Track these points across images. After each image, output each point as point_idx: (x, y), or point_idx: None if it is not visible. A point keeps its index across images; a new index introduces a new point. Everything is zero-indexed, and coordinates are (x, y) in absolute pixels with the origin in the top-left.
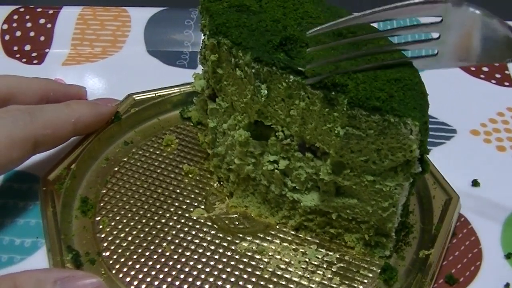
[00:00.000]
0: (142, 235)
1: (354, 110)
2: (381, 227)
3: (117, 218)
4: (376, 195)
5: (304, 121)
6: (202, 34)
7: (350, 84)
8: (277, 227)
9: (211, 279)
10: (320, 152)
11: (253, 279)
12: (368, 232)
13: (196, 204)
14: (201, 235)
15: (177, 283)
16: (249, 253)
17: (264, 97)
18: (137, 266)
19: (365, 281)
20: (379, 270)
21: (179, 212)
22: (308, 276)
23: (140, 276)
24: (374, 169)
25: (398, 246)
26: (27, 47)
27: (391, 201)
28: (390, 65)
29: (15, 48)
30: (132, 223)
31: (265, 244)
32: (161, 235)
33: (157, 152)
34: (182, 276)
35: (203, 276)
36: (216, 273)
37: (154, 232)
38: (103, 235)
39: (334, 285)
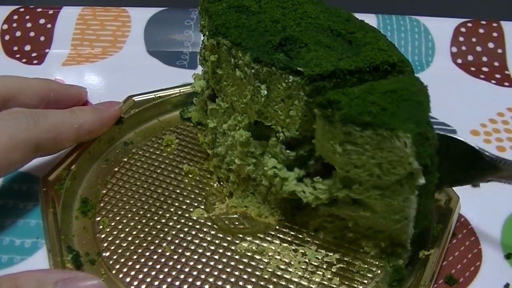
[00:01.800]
0: (142, 235)
1: (348, 126)
2: (396, 237)
3: (117, 218)
4: (388, 208)
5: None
6: (202, 35)
7: (344, 100)
8: (277, 227)
9: (211, 279)
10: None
11: (253, 279)
12: (384, 241)
13: (196, 204)
14: (201, 235)
15: (177, 283)
16: (249, 254)
17: (263, 98)
18: (137, 266)
19: (365, 281)
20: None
21: (179, 212)
22: (308, 276)
23: (140, 276)
24: (380, 183)
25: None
26: (27, 47)
27: (402, 213)
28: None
29: (15, 48)
30: (132, 224)
31: (265, 245)
32: (161, 235)
33: (157, 153)
34: (182, 276)
35: (203, 276)
36: (216, 273)
37: (154, 232)
38: (103, 236)
39: (334, 286)
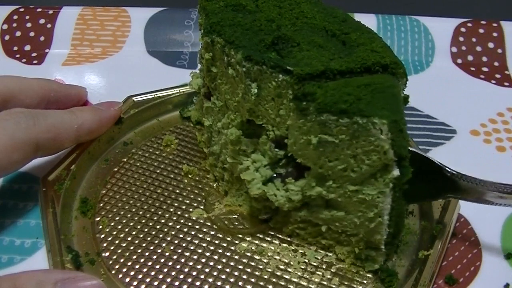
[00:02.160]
0: (141, 236)
1: (323, 116)
2: (370, 239)
3: (117, 218)
4: (361, 206)
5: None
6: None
7: (319, 91)
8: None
9: (210, 280)
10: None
11: (253, 280)
12: (358, 245)
13: (195, 204)
14: (200, 236)
15: (177, 283)
16: (248, 254)
17: (254, 96)
18: (137, 267)
19: (364, 281)
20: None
21: (179, 213)
22: (307, 276)
23: (140, 276)
24: (354, 177)
25: (396, 247)
26: (27, 47)
27: (376, 210)
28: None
29: (15, 48)
30: (131, 224)
31: (264, 245)
32: (161, 236)
33: (157, 153)
34: (181, 276)
35: (202, 277)
36: (215, 273)
37: (153, 233)
38: (102, 236)
39: (333, 286)
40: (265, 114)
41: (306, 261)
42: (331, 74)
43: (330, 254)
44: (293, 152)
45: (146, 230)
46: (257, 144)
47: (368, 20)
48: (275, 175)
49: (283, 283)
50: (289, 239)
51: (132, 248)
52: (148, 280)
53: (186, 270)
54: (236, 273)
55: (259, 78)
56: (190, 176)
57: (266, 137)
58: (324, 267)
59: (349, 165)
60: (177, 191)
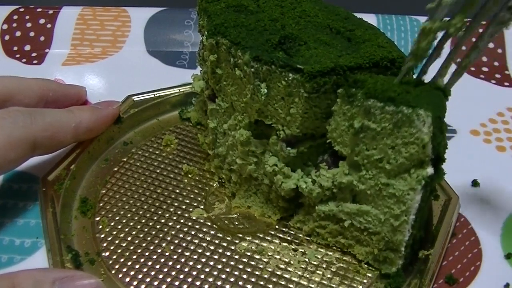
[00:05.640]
0: (141, 235)
1: (370, 101)
2: (392, 239)
3: (117, 218)
4: (389, 201)
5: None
6: (200, 35)
7: (370, 80)
8: (277, 227)
9: (210, 279)
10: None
11: (253, 279)
12: (378, 245)
13: (195, 204)
14: (200, 235)
15: (177, 283)
16: (248, 253)
17: (264, 96)
18: (137, 266)
19: (365, 281)
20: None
21: (179, 212)
22: (308, 276)
23: (140, 276)
24: (388, 170)
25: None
26: (27, 47)
27: (403, 207)
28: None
29: (15, 48)
30: (131, 223)
31: (264, 244)
32: (161, 235)
33: (157, 152)
34: (181, 276)
35: (202, 276)
36: (215, 273)
37: (153, 232)
38: (102, 235)
39: (334, 285)
40: (274, 114)
41: (307, 260)
42: (341, 70)
43: (331, 253)
44: (332, 139)
45: (146, 230)
46: (266, 145)
47: (368, 20)
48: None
49: (283, 283)
50: (289, 238)
51: (132, 248)
52: (148, 280)
53: (186, 270)
54: (236, 273)
55: (268, 78)
56: (190, 176)
57: (276, 137)
58: (324, 266)
59: (386, 156)
60: (177, 191)
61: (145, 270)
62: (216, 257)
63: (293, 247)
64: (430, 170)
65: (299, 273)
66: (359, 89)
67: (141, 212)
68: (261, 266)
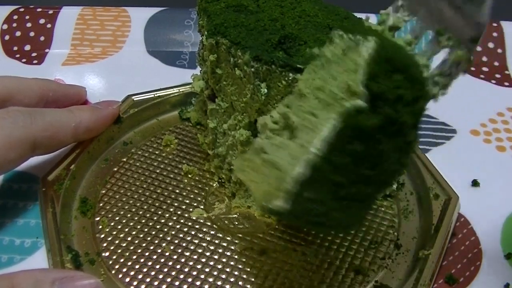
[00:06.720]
0: (141, 235)
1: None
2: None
3: (117, 218)
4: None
5: None
6: (200, 35)
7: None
8: (277, 227)
9: (210, 279)
10: None
11: (253, 279)
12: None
13: (195, 204)
14: (200, 235)
15: (177, 283)
16: (248, 253)
17: (264, 96)
18: (137, 266)
19: (365, 281)
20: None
21: (179, 212)
22: (308, 276)
23: (140, 276)
24: (321, 98)
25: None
26: (27, 47)
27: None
28: None
29: (15, 48)
30: (131, 223)
31: (264, 244)
32: (161, 235)
33: (157, 152)
34: (181, 276)
35: (202, 276)
36: (215, 273)
37: (153, 232)
38: (102, 235)
39: (334, 285)
40: None
41: (307, 260)
42: None
43: (331, 253)
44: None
45: (146, 230)
46: None
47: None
48: None
49: (283, 283)
50: (289, 238)
51: (132, 248)
52: (148, 280)
53: (186, 270)
54: (236, 273)
55: (268, 78)
56: (190, 176)
57: None
58: (324, 266)
59: (325, 84)
60: (177, 191)
61: (145, 270)
62: (216, 257)
63: (293, 247)
64: (358, 103)
65: (299, 273)
66: None
67: (141, 212)
68: (261, 266)
